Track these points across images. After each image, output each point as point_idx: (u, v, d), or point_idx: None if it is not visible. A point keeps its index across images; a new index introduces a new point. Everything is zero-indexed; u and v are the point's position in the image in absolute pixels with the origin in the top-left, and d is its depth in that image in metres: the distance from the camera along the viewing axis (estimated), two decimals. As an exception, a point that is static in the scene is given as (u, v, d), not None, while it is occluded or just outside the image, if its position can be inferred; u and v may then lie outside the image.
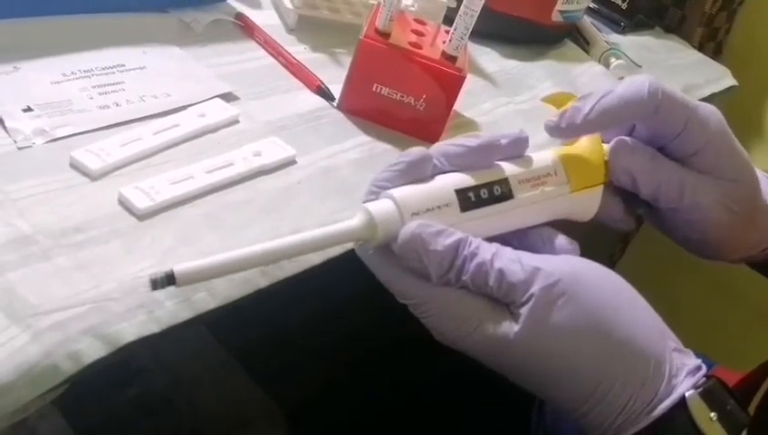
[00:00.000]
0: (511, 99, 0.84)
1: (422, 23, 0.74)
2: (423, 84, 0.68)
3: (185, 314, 0.48)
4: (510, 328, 0.41)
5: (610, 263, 1.41)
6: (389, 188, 0.43)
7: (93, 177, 0.55)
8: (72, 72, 0.63)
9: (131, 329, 0.45)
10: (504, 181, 0.45)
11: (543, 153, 0.48)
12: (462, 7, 0.65)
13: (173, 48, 0.72)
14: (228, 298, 0.50)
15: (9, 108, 0.57)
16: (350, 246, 0.56)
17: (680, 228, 0.51)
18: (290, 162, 0.62)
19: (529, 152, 0.47)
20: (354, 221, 0.42)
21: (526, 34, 0.96)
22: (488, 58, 0.92)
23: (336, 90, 0.71)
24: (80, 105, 0.60)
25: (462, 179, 0.44)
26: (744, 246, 0.52)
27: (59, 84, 0.62)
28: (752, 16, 1.27)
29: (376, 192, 0.44)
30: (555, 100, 0.50)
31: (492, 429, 0.76)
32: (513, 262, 0.41)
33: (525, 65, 0.93)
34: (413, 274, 0.42)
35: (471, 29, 0.66)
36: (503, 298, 0.42)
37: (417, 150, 0.44)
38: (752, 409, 0.55)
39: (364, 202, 0.43)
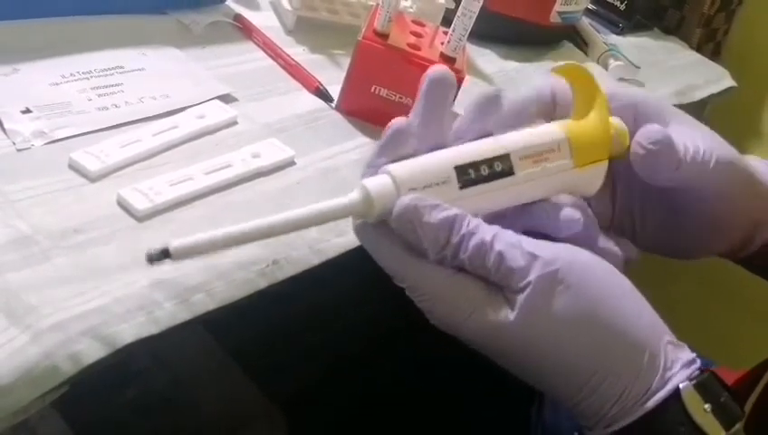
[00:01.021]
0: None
1: (420, 24, 0.74)
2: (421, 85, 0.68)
3: (183, 315, 0.48)
4: (505, 315, 0.41)
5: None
6: (384, 165, 0.43)
7: (92, 178, 0.55)
8: (71, 74, 0.63)
9: (131, 330, 0.45)
10: (506, 157, 0.44)
11: (548, 127, 0.47)
12: (460, 9, 0.66)
13: (172, 50, 0.72)
14: (227, 299, 0.50)
15: (8, 109, 0.58)
16: (347, 245, 0.56)
17: (687, 206, 0.51)
18: (288, 163, 0.62)
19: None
20: (351, 196, 0.42)
21: (525, 36, 0.96)
22: (487, 59, 0.92)
23: (335, 91, 0.72)
24: (79, 107, 0.60)
25: (462, 155, 0.43)
26: (746, 218, 0.52)
27: (58, 86, 0.62)
28: (750, 17, 1.27)
29: (371, 173, 0.43)
30: (566, 71, 0.49)
31: (492, 420, 0.76)
32: (513, 246, 0.41)
33: (524, 66, 0.93)
34: (409, 253, 0.41)
35: (469, 30, 0.67)
36: (499, 281, 0.41)
37: (396, 120, 0.43)
38: (748, 407, 0.55)
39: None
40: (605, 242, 0.48)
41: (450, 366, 0.77)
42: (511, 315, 0.41)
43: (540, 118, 0.48)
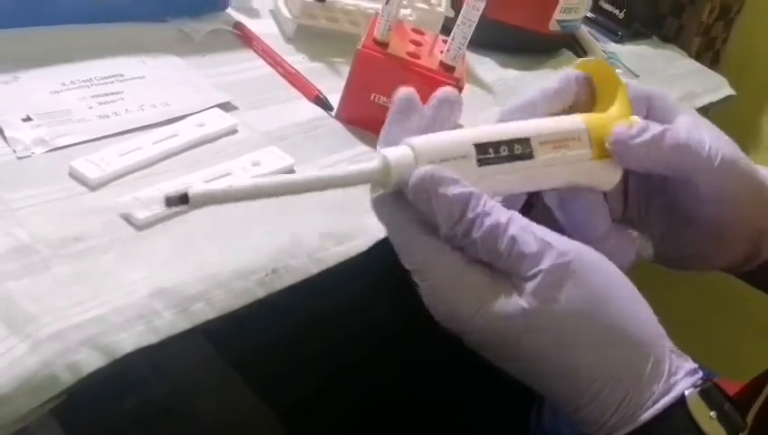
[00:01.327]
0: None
1: (420, 32, 0.74)
2: (421, 94, 0.67)
3: (183, 324, 0.48)
4: (513, 303, 0.40)
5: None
6: (397, 133, 0.43)
7: (92, 186, 0.55)
8: (72, 82, 0.64)
9: (130, 339, 0.45)
10: (526, 141, 0.44)
11: (571, 117, 0.48)
12: (460, 17, 0.66)
13: (172, 58, 0.72)
14: (226, 308, 0.50)
15: (9, 117, 0.58)
16: (346, 254, 0.56)
17: (695, 207, 0.51)
18: (288, 172, 0.62)
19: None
20: (371, 164, 0.42)
21: (524, 44, 0.96)
22: (486, 67, 0.92)
23: (334, 99, 0.72)
24: (79, 115, 0.60)
25: (483, 134, 0.44)
26: (750, 227, 0.52)
27: (58, 94, 0.62)
28: (749, 26, 1.28)
29: (387, 145, 0.43)
30: (589, 66, 0.50)
31: (493, 424, 0.76)
32: (526, 232, 0.41)
33: (523, 74, 0.93)
34: (422, 230, 0.41)
35: (469, 39, 0.67)
36: (509, 267, 0.41)
37: (402, 89, 0.45)
38: (750, 418, 0.55)
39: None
40: (619, 235, 0.48)
41: (450, 371, 0.76)
42: (519, 303, 0.40)
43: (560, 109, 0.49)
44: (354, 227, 0.57)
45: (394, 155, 0.42)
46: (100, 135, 0.59)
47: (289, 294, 0.53)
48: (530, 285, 0.40)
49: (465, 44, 0.67)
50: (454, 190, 0.40)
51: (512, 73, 0.93)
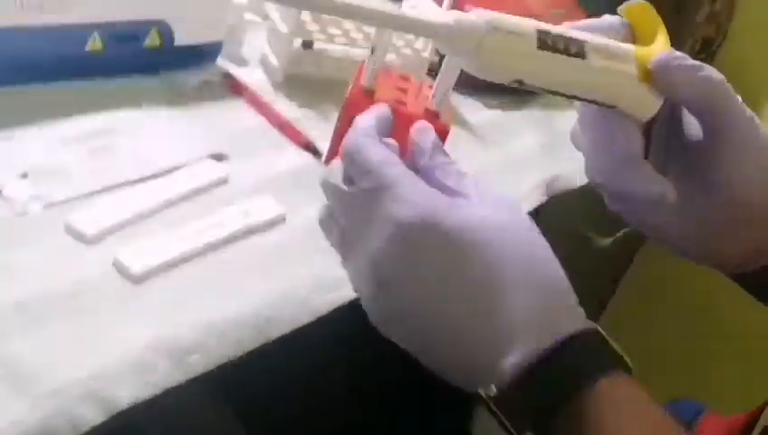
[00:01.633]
0: (494, 148, 0.86)
1: (406, 79, 0.75)
2: (408, 139, 0.69)
3: (179, 376, 0.49)
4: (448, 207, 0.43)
5: (600, 304, 1.42)
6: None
7: (88, 241, 0.56)
8: (66, 138, 0.65)
9: (128, 393, 0.46)
10: (581, 43, 0.47)
11: (621, 43, 0.50)
12: (444, 64, 0.67)
13: (163, 110, 0.73)
14: (222, 359, 0.51)
15: (5, 175, 0.59)
16: (340, 300, 0.57)
17: (717, 167, 0.51)
18: (280, 220, 0.63)
19: None
20: (444, 19, 0.44)
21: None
22: (471, 108, 0.93)
23: (324, 146, 0.73)
24: (74, 170, 0.61)
25: (544, 24, 0.46)
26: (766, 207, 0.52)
27: (53, 150, 0.63)
28: (731, 59, 1.30)
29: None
30: (631, 11, 0.52)
31: None
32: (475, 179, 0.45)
33: (508, 115, 0.95)
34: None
35: (453, 84, 0.68)
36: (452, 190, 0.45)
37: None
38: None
39: None
40: (648, 167, 0.50)
41: (456, 414, 0.77)
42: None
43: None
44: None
45: (464, 18, 0.44)
46: (94, 189, 0.60)
47: (286, 342, 0.54)
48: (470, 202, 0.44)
49: (450, 91, 0.68)
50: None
51: (497, 113, 0.94)
